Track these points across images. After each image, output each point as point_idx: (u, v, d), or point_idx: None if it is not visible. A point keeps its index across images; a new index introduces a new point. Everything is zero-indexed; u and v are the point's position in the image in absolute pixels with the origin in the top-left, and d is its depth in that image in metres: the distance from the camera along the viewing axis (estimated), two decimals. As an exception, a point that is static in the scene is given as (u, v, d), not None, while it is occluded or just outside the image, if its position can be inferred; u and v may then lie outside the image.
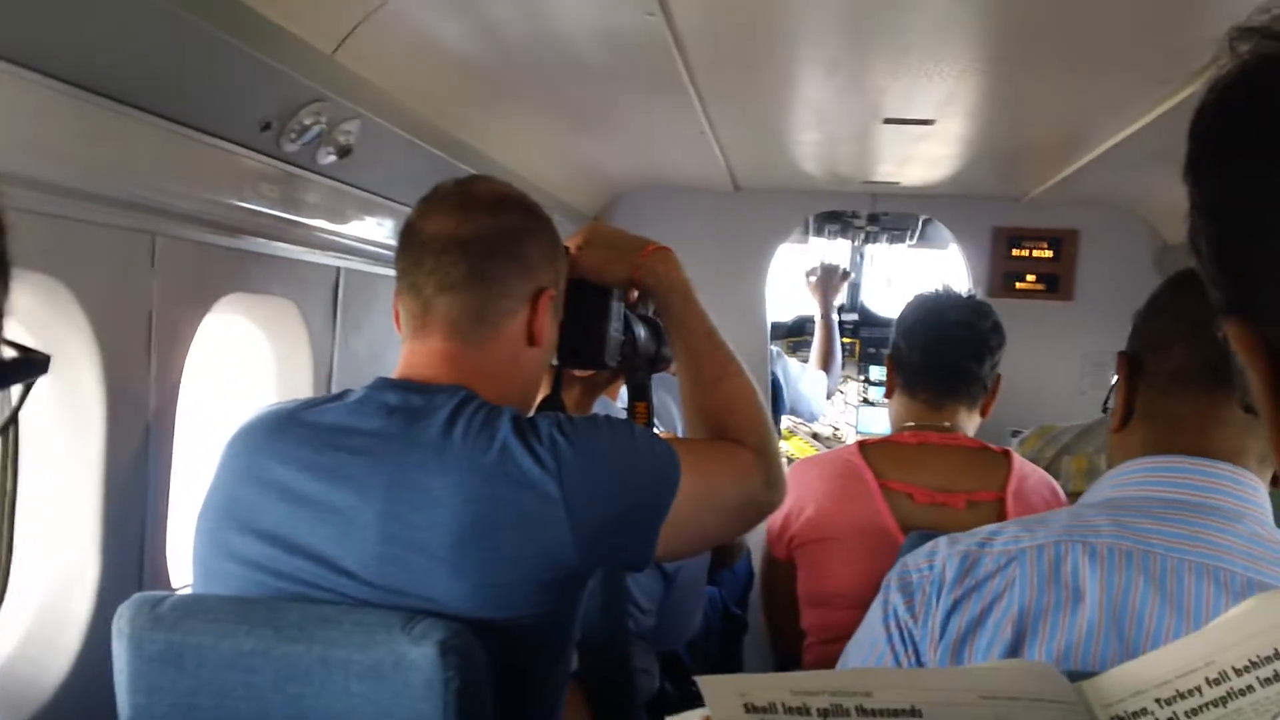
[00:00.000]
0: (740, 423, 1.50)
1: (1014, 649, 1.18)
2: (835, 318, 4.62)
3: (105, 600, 1.39)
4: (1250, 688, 0.85)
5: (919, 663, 1.24)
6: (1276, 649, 0.86)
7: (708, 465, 1.43)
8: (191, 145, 1.47)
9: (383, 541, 1.25)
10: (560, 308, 1.49)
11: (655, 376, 2.75)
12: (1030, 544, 1.21)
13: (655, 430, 1.91)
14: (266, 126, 1.58)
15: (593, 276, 1.55)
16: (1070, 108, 2.52)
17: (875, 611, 1.27)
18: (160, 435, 1.53)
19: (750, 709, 0.82)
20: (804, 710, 0.83)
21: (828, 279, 4.56)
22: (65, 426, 1.45)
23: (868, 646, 1.26)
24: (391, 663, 1.17)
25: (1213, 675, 0.87)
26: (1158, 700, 0.89)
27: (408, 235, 1.41)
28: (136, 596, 1.25)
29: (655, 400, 2.64)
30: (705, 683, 0.84)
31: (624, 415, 2.34)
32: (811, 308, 4.64)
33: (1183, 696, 0.88)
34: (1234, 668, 0.87)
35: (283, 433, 1.34)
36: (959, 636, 1.20)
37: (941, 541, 1.27)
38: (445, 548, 1.24)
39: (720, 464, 1.45)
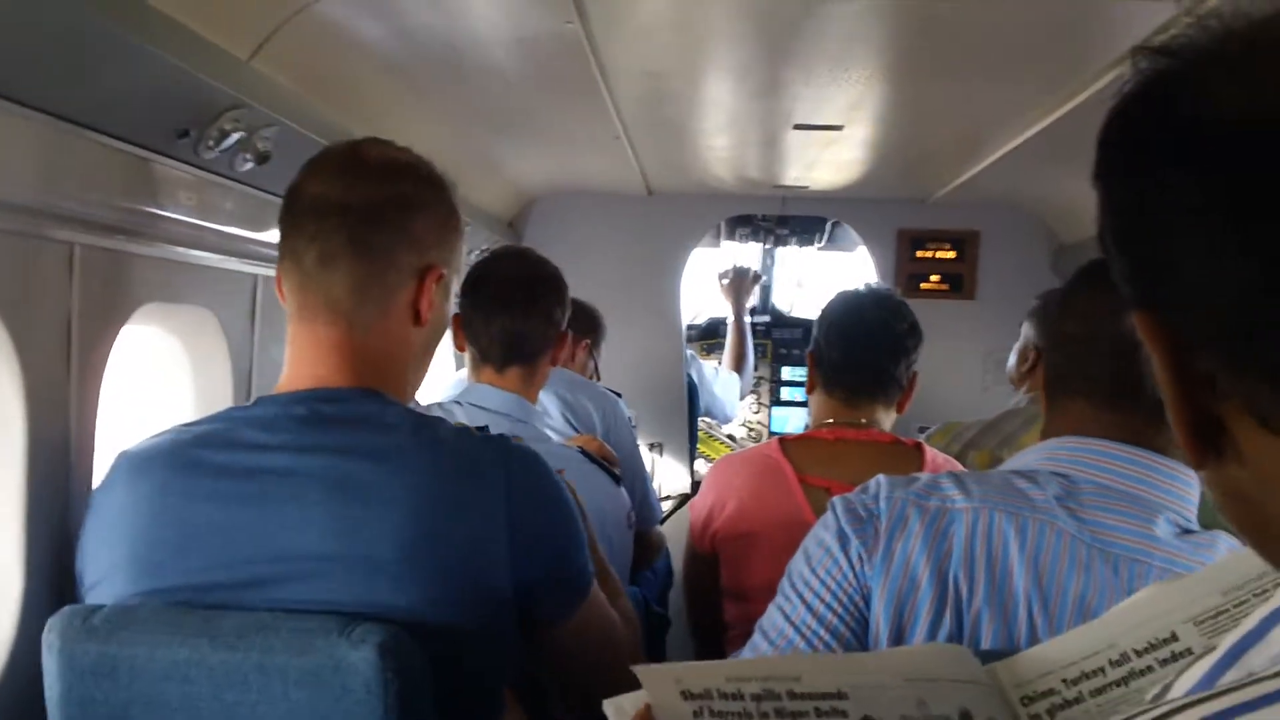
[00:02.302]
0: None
1: (954, 605, 1.21)
2: (747, 320, 4.69)
3: (31, 614, 1.36)
4: (1150, 668, 0.91)
5: (866, 600, 1.26)
6: (1174, 632, 0.92)
7: (604, 604, 1.46)
8: (109, 153, 1.45)
9: (325, 560, 1.22)
10: (456, 286, 1.43)
11: (581, 382, 2.78)
12: (965, 505, 1.25)
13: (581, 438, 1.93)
14: (184, 134, 1.56)
15: None
16: (969, 113, 2.61)
17: (825, 535, 1.30)
18: (82, 446, 1.51)
19: (686, 695, 0.85)
20: (738, 696, 0.87)
21: (739, 282, 4.63)
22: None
23: (820, 563, 1.28)
24: (330, 667, 1.16)
25: (1115, 657, 0.93)
26: (1064, 680, 0.94)
27: (290, 197, 1.32)
28: (67, 609, 1.23)
29: (577, 404, 2.67)
30: (642, 672, 0.86)
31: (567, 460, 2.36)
32: (725, 310, 4.71)
33: (1088, 676, 0.94)
34: (1135, 650, 0.93)
35: (191, 466, 1.27)
36: (904, 585, 1.23)
37: (884, 481, 1.31)
38: (390, 561, 1.22)
39: (610, 614, 1.49)
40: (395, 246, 1.30)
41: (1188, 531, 1.23)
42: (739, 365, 4.62)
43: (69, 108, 1.35)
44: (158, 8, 1.43)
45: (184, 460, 1.27)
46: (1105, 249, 0.59)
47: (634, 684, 0.85)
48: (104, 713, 1.21)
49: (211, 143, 1.62)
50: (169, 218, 1.61)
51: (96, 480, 1.44)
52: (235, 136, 1.63)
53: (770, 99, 2.50)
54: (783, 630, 1.30)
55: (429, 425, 1.29)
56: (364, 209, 1.29)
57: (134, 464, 1.30)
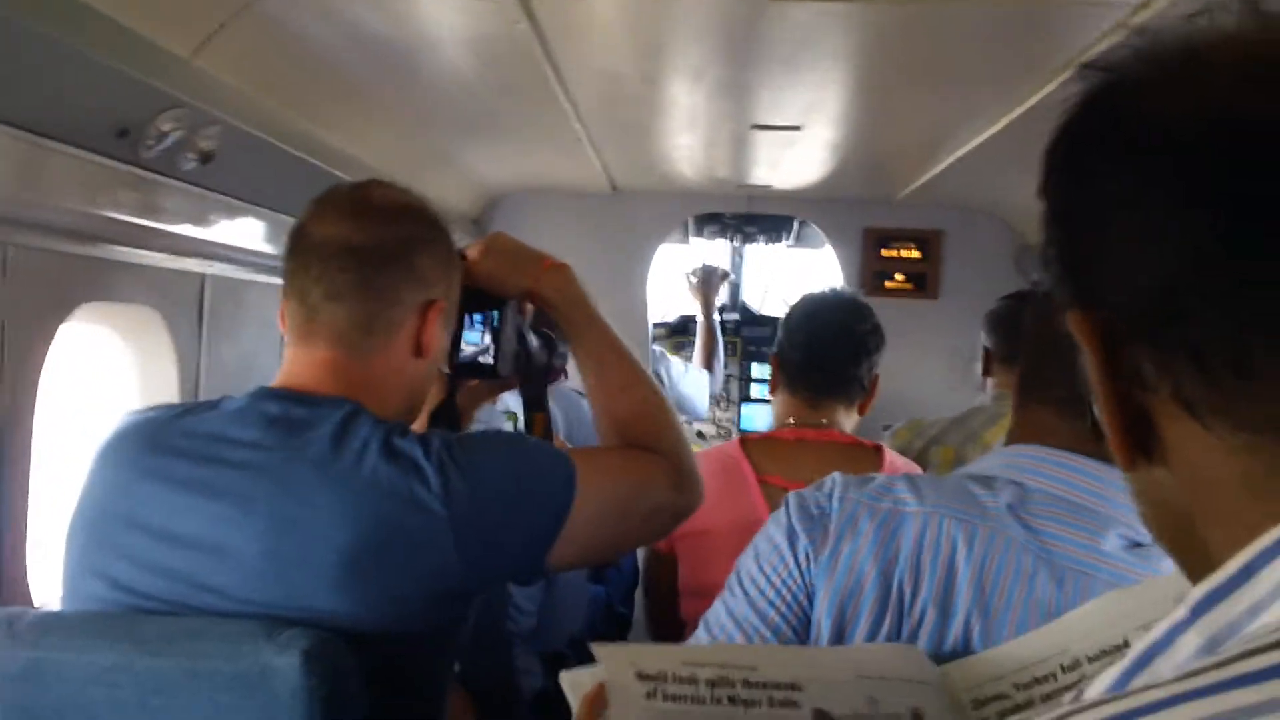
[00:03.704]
0: (648, 428, 1.50)
1: (896, 608, 1.22)
2: (717, 318, 4.69)
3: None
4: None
5: (810, 599, 1.26)
6: (1126, 639, 0.92)
7: (609, 474, 1.42)
8: (43, 153, 1.43)
9: (263, 559, 1.23)
10: (452, 318, 1.47)
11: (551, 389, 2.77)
12: (916, 509, 1.25)
13: (555, 441, 1.92)
14: (124, 133, 1.55)
15: (489, 286, 1.53)
16: (928, 115, 2.62)
17: (775, 532, 1.28)
18: (14, 448, 1.50)
19: (642, 676, 0.86)
20: (692, 680, 0.87)
21: (708, 280, 4.63)
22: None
23: (767, 560, 1.27)
24: (258, 673, 1.16)
25: (1067, 663, 0.94)
26: (1015, 685, 0.95)
27: (297, 238, 1.37)
28: (-8, 614, 1.22)
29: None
30: (600, 650, 0.87)
31: (503, 422, 2.35)
32: (694, 308, 4.71)
33: (1039, 681, 0.94)
34: (1087, 656, 0.93)
35: (156, 444, 1.30)
36: (848, 585, 1.23)
37: (838, 480, 1.30)
38: (329, 565, 1.22)
39: (623, 471, 1.44)
40: (400, 284, 1.36)
41: (1138, 545, 1.23)
42: (709, 363, 4.63)
43: (2, 109, 1.33)
44: (96, 6, 1.42)
45: (153, 439, 1.31)
46: (1045, 260, 0.62)
47: None
48: (31, 718, 1.20)
49: (151, 142, 1.61)
50: (107, 217, 1.60)
51: (32, 482, 1.43)
52: (176, 135, 1.62)
53: (728, 99, 2.50)
54: (724, 625, 1.30)
55: (381, 431, 1.29)
56: (370, 249, 1.34)
57: (118, 434, 1.34)
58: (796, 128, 2.72)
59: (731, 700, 0.87)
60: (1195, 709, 0.43)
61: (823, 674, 0.92)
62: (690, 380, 4.49)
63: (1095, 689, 0.52)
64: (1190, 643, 0.49)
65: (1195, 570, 0.56)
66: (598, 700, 0.87)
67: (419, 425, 1.50)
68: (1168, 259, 0.53)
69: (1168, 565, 1.16)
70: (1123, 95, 0.58)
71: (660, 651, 0.89)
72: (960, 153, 2.89)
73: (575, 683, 0.89)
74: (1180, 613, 0.50)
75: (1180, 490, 0.57)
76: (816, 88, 2.30)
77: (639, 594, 3.17)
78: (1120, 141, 0.57)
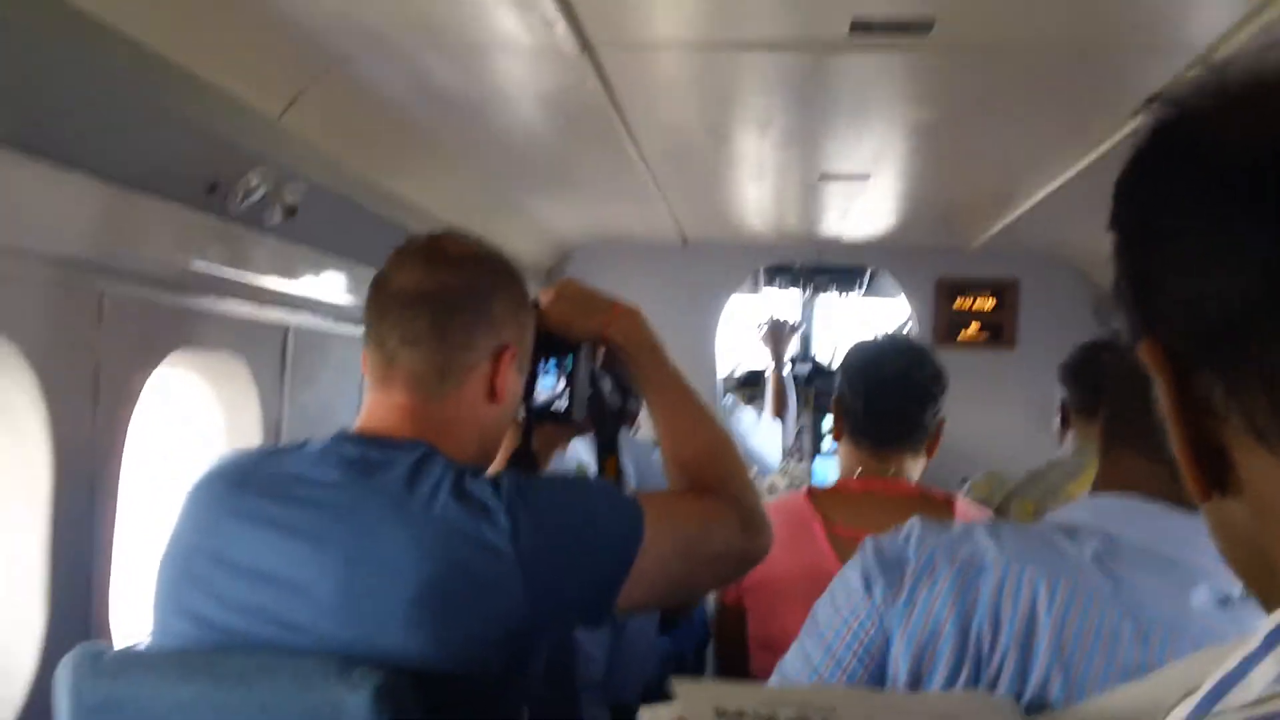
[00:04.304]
0: (715, 472, 1.51)
1: (974, 658, 1.20)
2: (787, 370, 4.68)
3: (51, 653, 1.40)
4: None
5: (886, 644, 1.25)
6: None
7: (676, 517, 1.42)
8: (139, 206, 1.51)
9: (338, 595, 1.26)
10: (526, 363, 1.50)
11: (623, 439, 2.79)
12: (996, 557, 1.23)
13: (625, 484, 1.94)
14: (213, 188, 1.62)
15: (562, 332, 1.56)
16: (998, 162, 2.61)
17: (852, 576, 1.27)
18: (105, 490, 1.55)
19: (721, 714, 0.86)
20: (772, 719, 0.87)
21: (777, 332, 4.63)
22: (11, 481, 1.46)
23: (844, 604, 1.27)
24: (329, 709, 1.17)
25: (1160, 718, 0.92)
26: None
27: (376, 287, 1.41)
28: (79, 648, 1.26)
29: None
30: (679, 686, 0.88)
31: (574, 469, 2.37)
32: (765, 360, 4.71)
33: None
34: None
35: (242, 484, 1.34)
36: (925, 633, 1.22)
37: (918, 527, 1.29)
38: (400, 603, 1.24)
39: (690, 514, 1.45)
40: (473, 330, 1.39)
41: (1227, 600, 1.19)
42: (780, 415, 4.61)
43: (102, 165, 1.41)
44: (191, 69, 1.50)
45: (239, 479, 1.35)
46: (1117, 292, 0.62)
47: None
48: (112, 750, 1.23)
49: (240, 197, 1.68)
50: (197, 268, 1.67)
51: (120, 522, 1.49)
52: (262, 190, 1.69)
53: (795, 149, 2.53)
54: (799, 668, 1.30)
55: (453, 473, 1.32)
56: (443, 296, 1.38)
57: (207, 475, 1.38)
58: (865, 176, 2.73)
59: None
60: None
61: (903, 719, 0.91)
62: (761, 432, 4.47)
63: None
64: (1266, 672, 0.49)
65: (1271, 601, 0.56)
66: None
67: (496, 469, 1.52)
68: (1237, 283, 0.53)
69: (1257, 621, 1.13)
70: (1190, 124, 0.58)
71: (740, 690, 0.89)
72: (1034, 200, 2.88)
73: (654, 718, 0.90)
74: (1253, 644, 0.50)
75: (1254, 522, 0.56)
76: (883, 135, 2.31)
77: (709, 648, 3.16)
78: (1188, 168, 0.57)
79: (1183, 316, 0.56)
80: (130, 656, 1.27)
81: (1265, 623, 0.50)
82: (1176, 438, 0.58)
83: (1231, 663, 0.51)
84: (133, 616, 1.69)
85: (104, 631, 1.61)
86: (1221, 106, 0.57)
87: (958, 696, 1.14)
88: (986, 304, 4.14)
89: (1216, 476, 0.57)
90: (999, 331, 4.14)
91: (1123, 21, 1.68)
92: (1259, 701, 0.45)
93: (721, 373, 4.78)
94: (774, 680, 1.32)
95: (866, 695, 1.14)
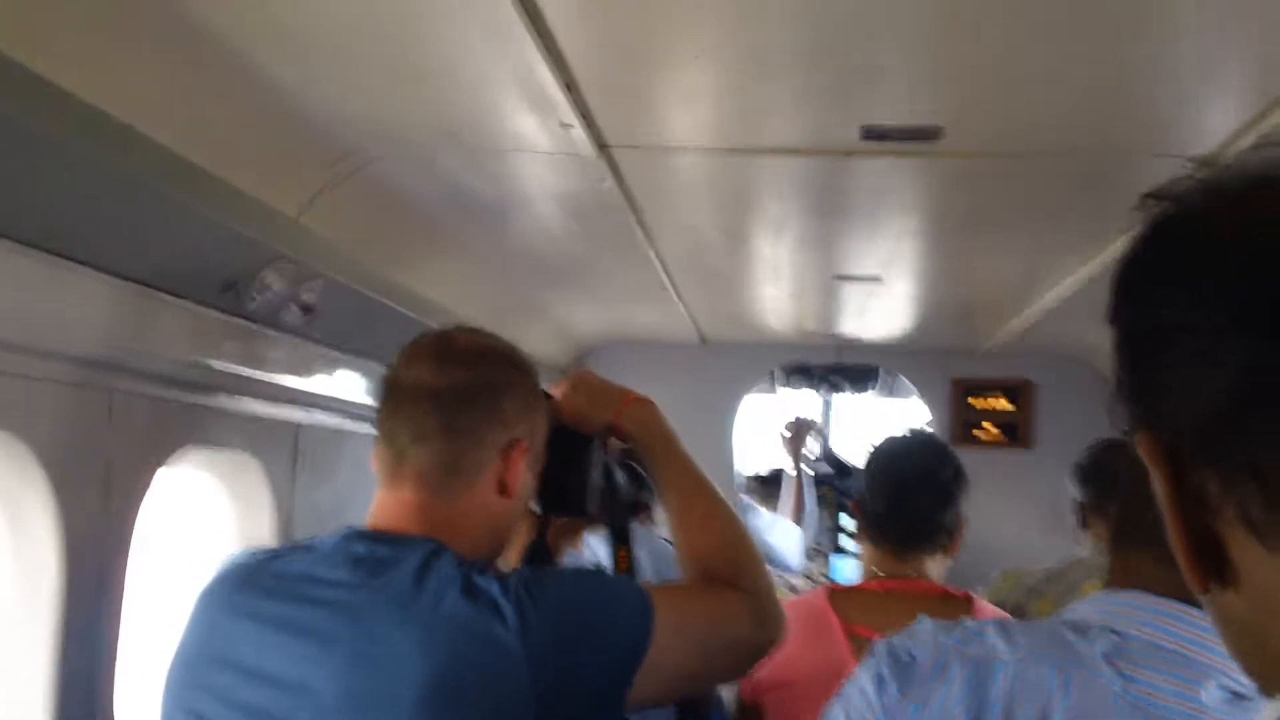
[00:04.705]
0: (728, 561, 1.49)
1: None
2: (808, 471, 4.66)
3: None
4: None
5: None
6: None
7: (687, 608, 1.41)
8: (151, 304, 1.52)
9: (340, 697, 1.24)
10: (539, 457, 1.49)
11: (639, 533, 2.76)
12: (1008, 655, 1.21)
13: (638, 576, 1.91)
14: (229, 286, 1.64)
15: (575, 423, 1.56)
16: (1009, 265, 2.63)
17: (863, 678, 1.25)
18: (112, 587, 1.54)
19: None
20: None
21: (800, 432, 4.62)
22: (20, 579, 1.46)
23: (855, 708, 1.24)
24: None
25: None
26: None
27: (387, 384, 1.42)
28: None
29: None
30: None
31: (588, 564, 2.34)
32: (784, 459, 4.68)
33: None
34: None
35: (250, 584, 1.34)
36: None
37: (928, 626, 1.28)
38: (405, 703, 1.22)
39: (702, 605, 1.44)
40: (483, 426, 1.39)
41: (1239, 695, 1.17)
42: (797, 516, 4.57)
43: (116, 263, 1.43)
44: (208, 168, 1.53)
45: (247, 579, 1.35)
46: (1116, 388, 0.63)
47: None
48: None
49: (255, 295, 1.70)
50: (209, 366, 1.68)
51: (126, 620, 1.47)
52: (279, 289, 1.71)
53: (810, 251, 2.55)
54: None
55: (462, 571, 1.31)
56: (452, 392, 1.38)
57: (217, 577, 1.37)
58: (877, 279, 2.75)
59: None
60: None
61: None
62: (778, 532, 4.43)
63: None
64: None
65: (1275, 689, 0.56)
66: None
67: (510, 563, 1.51)
68: (1227, 381, 0.54)
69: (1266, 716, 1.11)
70: (1182, 222, 0.60)
71: None
72: (1047, 301, 2.89)
73: None
74: None
75: (1252, 613, 0.56)
76: (895, 239, 2.34)
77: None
78: (1178, 267, 0.58)
79: (1176, 414, 0.57)
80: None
81: (1268, 710, 0.50)
82: (1173, 530, 0.59)
83: None
84: (137, 715, 1.66)
85: (105, 725, 1.58)
86: (1212, 208, 0.59)
87: None
88: (1002, 404, 4.14)
89: (1214, 569, 0.57)
90: (1015, 432, 4.13)
91: (1130, 128, 1.70)
92: None
93: (740, 470, 4.75)
94: None
95: None
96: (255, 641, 1.29)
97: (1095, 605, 1.29)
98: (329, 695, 1.25)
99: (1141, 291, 0.61)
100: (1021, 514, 3.88)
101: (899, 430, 2.31)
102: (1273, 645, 0.56)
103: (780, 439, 4.63)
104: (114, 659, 1.60)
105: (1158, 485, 0.59)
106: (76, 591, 1.48)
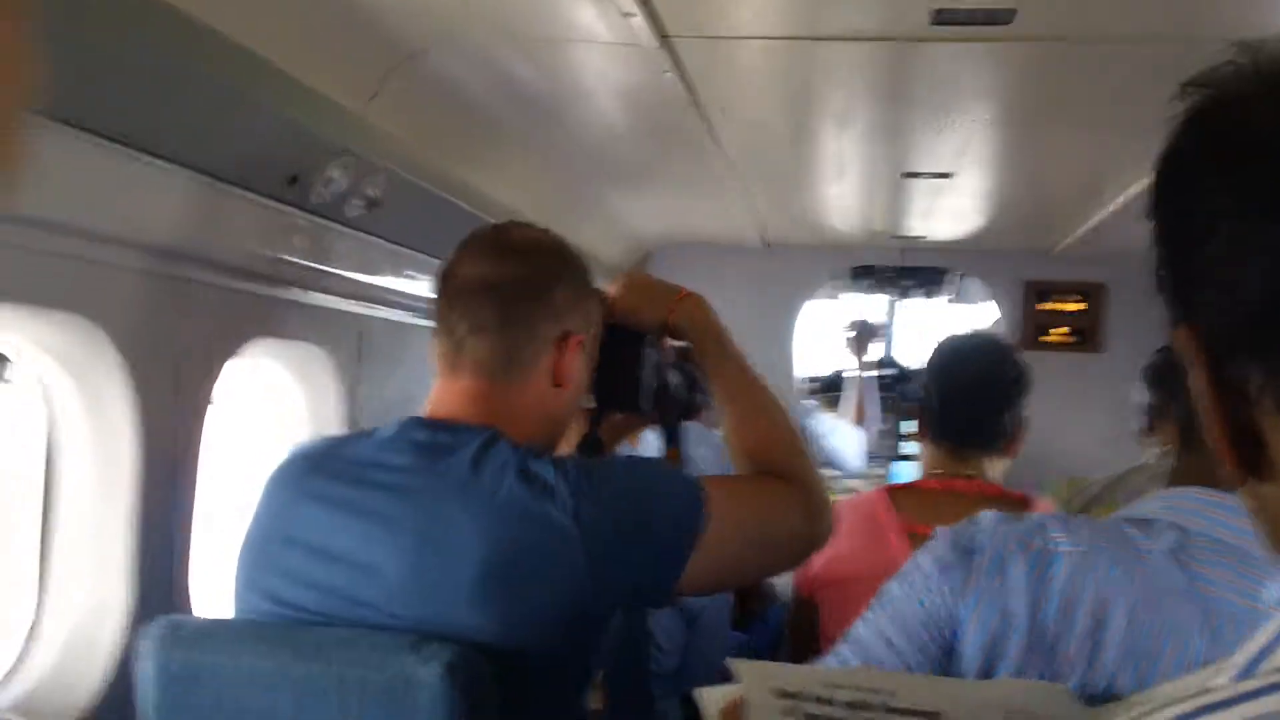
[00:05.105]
0: (780, 456, 1.52)
1: (1043, 649, 1.18)
2: (872, 374, 4.64)
3: (135, 624, 1.45)
4: None
5: (955, 632, 1.24)
6: None
7: (740, 499, 1.44)
8: (221, 197, 1.55)
9: (407, 576, 1.29)
10: (593, 352, 1.52)
11: (697, 431, 2.79)
12: (1069, 550, 1.21)
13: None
14: (294, 180, 1.65)
15: (628, 321, 1.58)
16: (1086, 161, 2.56)
17: (925, 561, 1.27)
18: (186, 470, 1.60)
19: (780, 694, 0.86)
20: (830, 701, 0.87)
21: (864, 335, 4.60)
22: (97, 461, 1.52)
23: (916, 587, 1.26)
24: (402, 683, 1.20)
25: None
26: None
27: (444, 279, 1.45)
28: (160, 619, 1.30)
29: (695, 455, 2.67)
30: (739, 666, 0.88)
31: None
32: (847, 363, 4.67)
33: None
34: None
35: (317, 469, 1.38)
36: (997, 623, 1.21)
37: (991, 517, 1.28)
38: (467, 583, 1.27)
39: (754, 497, 1.46)
40: (538, 318, 1.42)
41: None
42: (859, 420, 4.57)
43: (188, 155, 1.45)
44: (275, 61, 1.54)
45: (315, 464, 1.40)
46: (1157, 279, 0.63)
47: None
48: (193, 717, 1.27)
49: (321, 189, 1.71)
50: (277, 258, 1.71)
51: (199, 499, 1.53)
52: (344, 183, 1.73)
53: (877, 146, 2.50)
54: (864, 642, 1.29)
55: (518, 456, 1.34)
56: (508, 285, 1.41)
57: (285, 462, 1.43)
58: (948, 175, 2.69)
59: None
60: None
61: (966, 705, 0.90)
62: (839, 435, 4.44)
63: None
64: None
65: None
66: (733, 716, 0.87)
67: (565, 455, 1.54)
68: (1268, 271, 0.53)
69: None
70: (1222, 110, 0.58)
71: (800, 672, 0.89)
72: (1121, 200, 2.81)
73: (712, 699, 0.90)
74: None
75: None
76: (966, 131, 2.28)
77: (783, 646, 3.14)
78: (1219, 155, 0.57)
79: (1220, 304, 0.56)
80: (211, 628, 1.31)
81: None
82: (1210, 422, 0.59)
83: (1265, 637, 0.52)
84: (213, 594, 1.73)
85: (185, 606, 1.66)
86: (1252, 94, 0.57)
87: (1022, 684, 1.13)
88: (1074, 307, 4.07)
89: (1251, 460, 0.57)
90: (1086, 335, 4.06)
91: (1208, 12, 1.63)
92: None
93: (800, 376, 4.75)
94: (839, 648, 1.31)
95: (929, 680, 1.14)
96: (324, 523, 1.34)
97: (1159, 500, 1.28)
98: (394, 574, 1.29)
99: (1180, 182, 0.60)
100: (1088, 419, 3.84)
101: (962, 331, 2.29)
102: None
103: (843, 343, 4.61)
104: (189, 540, 1.67)
105: (1196, 378, 0.59)
106: (152, 474, 1.54)
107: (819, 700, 0.87)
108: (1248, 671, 0.51)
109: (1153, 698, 0.93)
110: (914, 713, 0.88)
